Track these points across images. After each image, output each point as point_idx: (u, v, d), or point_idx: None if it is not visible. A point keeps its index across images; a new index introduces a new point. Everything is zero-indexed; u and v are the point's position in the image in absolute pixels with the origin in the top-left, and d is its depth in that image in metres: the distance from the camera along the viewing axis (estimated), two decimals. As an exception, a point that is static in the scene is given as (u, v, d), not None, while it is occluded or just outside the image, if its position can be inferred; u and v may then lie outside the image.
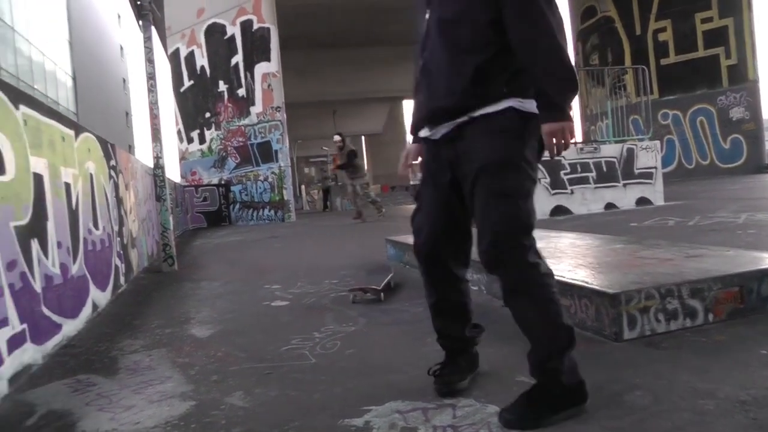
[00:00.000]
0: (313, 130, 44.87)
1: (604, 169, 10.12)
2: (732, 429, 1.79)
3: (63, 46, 30.01)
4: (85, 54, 32.81)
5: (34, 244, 3.20)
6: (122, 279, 5.63)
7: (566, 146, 2.01)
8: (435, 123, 2.19)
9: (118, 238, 5.62)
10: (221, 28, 18.16)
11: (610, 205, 10.08)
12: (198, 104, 18.95)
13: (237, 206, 17.76)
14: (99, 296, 4.55)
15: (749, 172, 20.74)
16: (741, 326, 2.77)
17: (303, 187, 33.45)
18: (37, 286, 3.19)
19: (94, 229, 4.61)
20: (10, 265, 2.86)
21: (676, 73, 22.74)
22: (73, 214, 4.05)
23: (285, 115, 16.93)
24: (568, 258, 3.92)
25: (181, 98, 19.47)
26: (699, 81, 22.41)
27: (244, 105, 17.42)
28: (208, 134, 18.63)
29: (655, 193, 10.43)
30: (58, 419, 2.39)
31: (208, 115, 18.59)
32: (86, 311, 4.12)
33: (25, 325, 2.95)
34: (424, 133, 2.26)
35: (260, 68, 16.99)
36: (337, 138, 13.35)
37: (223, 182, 17.87)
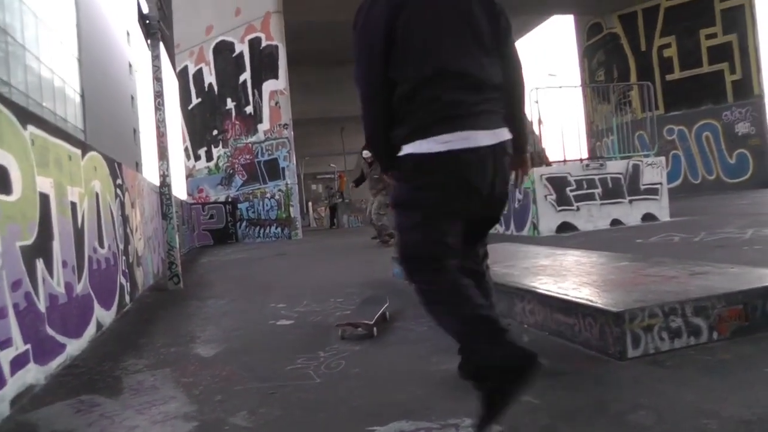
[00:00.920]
0: (320, 147, 45.02)
1: (610, 185, 10.11)
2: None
3: (72, 63, 30.31)
4: (93, 71, 33.11)
5: (39, 264, 3.22)
6: (127, 298, 5.65)
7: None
8: None
9: (124, 257, 5.65)
10: (230, 46, 18.33)
11: (616, 222, 10.05)
12: (205, 121, 19.09)
13: (244, 224, 17.80)
14: (104, 315, 4.56)
15: (755, 187, 20.65)
16: (745, 344, 2.76)
17: (310, 204, 33.49)
18: (42, 305, 3.21)
19: (99, 247, 4.63)
20: (15, 285, 2.88)
21: (682, 89, 22.77)
22: (79, 233, 4.08)
23: (292, 133, 17.02)
24: (572, 276, 3.92)
25: (189, 115, 19.61)
26: (704, 96, 22.42)
27: (251, 122, 17.54)
28: (216, 151, 18.73)
29: (661, 209, 10.40)
30: (61, 439, 2.39)
31: (215, 132, 18.71)
32: (90, 330, 4.13)
33: (28, 346, 2.96)
34: None
35: (268, 86, 17.12)
36: (367, 153, 11.11)
37: (230, 200, 17.94)
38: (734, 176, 21.96)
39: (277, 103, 16.90)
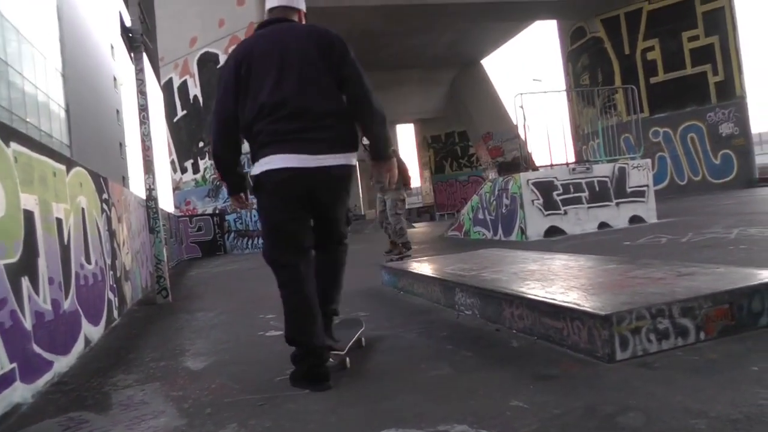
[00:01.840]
0: (307, 156, 44.93)
1: (597, 188, 10.18)
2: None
3: (56, 78, 30.17)
4: (78, 86, 32.98)
5: (25, 281, 3.19)
6: (115, 313, 5.61)
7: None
8: None
9: (111, 272, 5.61)
10: (214, 57, 18.32)
11: (603, 225, 10.11)
12: (191, 134, 19.04)
13: (232, 235, 17.76)
14: (92, 331, 4.53)
15: (740, 187, 20.85)
16: (732, 343, 2.77)
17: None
18: (28, 323, 3.18)
19: (86, 263, 4.60)
20: (0, 304, 2.85)
21: (666, 91, 22.97)
22: (65, 250, 4.05)
23: (278, 143, 16.97)
24: (560, 280, 3.93)
25: (175, 128, 19.56)
26: (688, 98, 22.63)
27: (237, 133, 17.47)
28: (202, 164, 18.69)
29: (648, 211, 10.47)
30: (49, 458, 2.37)
31: (201, 144, 18.67)
32: (78, 347, 4.10)
33: (14, 365, 2.94)
34: None
35: (253, 97, 17.08)
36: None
37: (217, 211, 17.89)
38: (719, 176, 22.16)
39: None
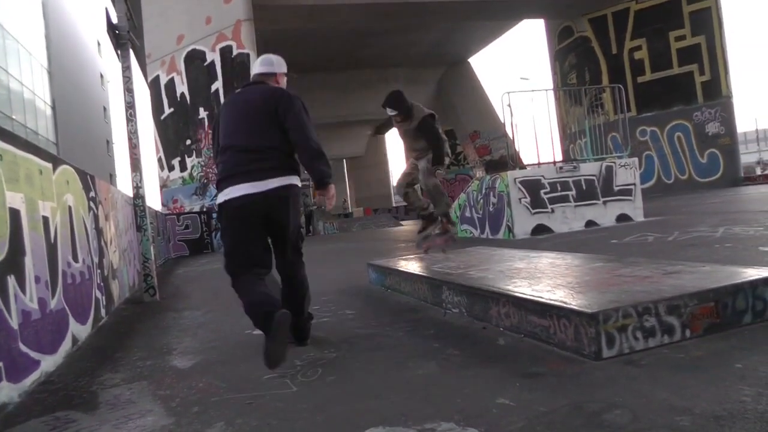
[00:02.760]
0: (295, 154, 44.85)
1: (584, 187, 10.23)
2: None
3: (42, 74, 29.90)
4: (64, 83, 32.70)
5: (11, 280, 3.17)
6: (103, 311, 5.58)
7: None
8: None
9: (99, 270, 5.58)
10: (201, 55, 18.24)
11: (590, 223, 10.17)
12: (179, 131, 18.95)
13: (219, 233, 17.67)
14: (79, 330, 4.50)
15: (726, 186, 21.05)
16: (717, 341, 2.81)
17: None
18: (14, 322, 3.16)
19: (73, 261, 4.57)
20: (-14, 302, 2.83)
21: (653, 91, 23.14)
22: (52, 248, 4.03)
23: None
24: (547, 278, 3.96)
25: (162, 126, 19.46)
26: (675, 98, 22.81)
27: (225, 131, 17.42)
28: (189, 161, 18.61)
29: (635, 210, 10.54)
30: (35, 458, 2.36)
31: (188, 142, 18.59)
32: (66, 346, 4.08)
33: (0, 364, 2.92)
34: None
35: (240, 94, 17.01)
36: (392, 111, 6.48)
37: (204, 209, 17.81)
38: (706, 175, 22.36)
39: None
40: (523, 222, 9.79)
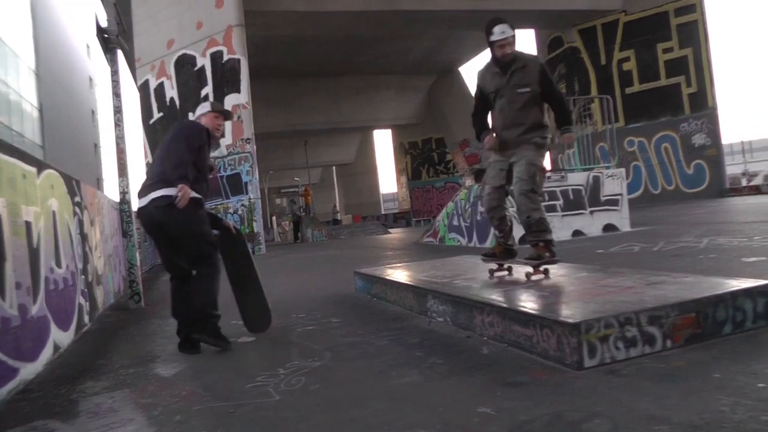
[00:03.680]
0: (284, 160, 44.93)
1: (571, 197, 10.29)
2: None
3: (29, 77, 29.71)
4: (52, 85, 32.49)
5: (-9, 286, 3.14)
6: (86, 318, 5.54)
7: None
8: None
9: (83, 276, 5.54)
10: (191, 60, 18.20)
11: (577, 233, 10.22)
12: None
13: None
14: (61, 336, 4.46)
15: (712, 196, 21.22)
16: (698, 351, 2.83)
17: (274, 218, 33.29)
18: (-6, 328, 3.12)
19: (56, 267, 4.54)
20: (-34, 308, 2.80)
21: (641, 101, 23.34)
22: (34, 253, 3.99)
23: (255, 147, 16.94)
24: (531, 288, 3.98)
25: (151, 130, 19.38)
26: (662, 109, 23.01)
27: (213, 137, 17.37)
28: (178, 167, 18.50)
29: (622, 220, 10.60)
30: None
31: (177, 147, 18.49)
32: (47, 353, 4.04)
33: (-22, 370, 2.88)
34: None
35: (230, 99, 17.03)
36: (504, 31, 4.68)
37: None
38: (692, 186, 22.54)
39: (239, 117, 16.82)
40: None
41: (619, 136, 18.66)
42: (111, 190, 38.23)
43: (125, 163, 7.12)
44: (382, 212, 48.30)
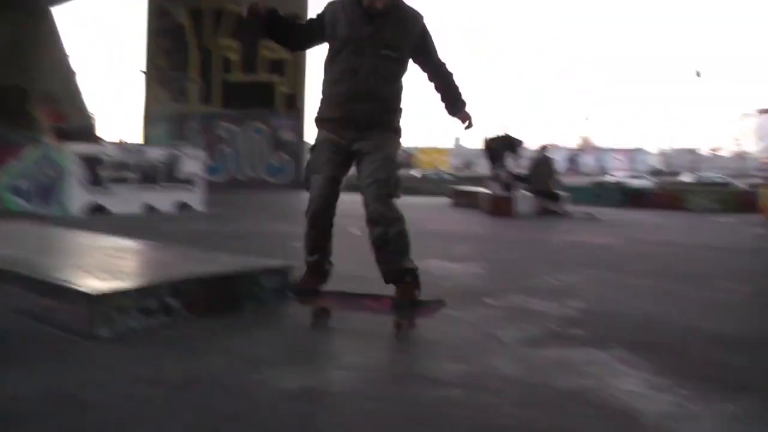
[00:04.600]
0: None
1: (148, 170, 10.04)
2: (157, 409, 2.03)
3: None
4: None
5: None
6: None
7: None
8: None
9: None
10: None
11: (149, 207, 10.00)
12: None
13: None
14: None
15: (292, 188, 23.32)
16: (214, 321, 3.08)
17: None
18: None
19: None
20: None
21: (239, 91, 24.21)
22: None
23: None
24: (62, 257, 3.84)
25: None
26: (258, 101, 24.31)
27: None
28: None
29: (196, 199, 10.73)
30: None
31: None
32: None
33: None
34: None
35: None
36: None
37: None
38: (276, 176, 24.38)
39: None
40: (78, 198, 9.15)
41: (212, 120, 19.21)
42: None
43: None
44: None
